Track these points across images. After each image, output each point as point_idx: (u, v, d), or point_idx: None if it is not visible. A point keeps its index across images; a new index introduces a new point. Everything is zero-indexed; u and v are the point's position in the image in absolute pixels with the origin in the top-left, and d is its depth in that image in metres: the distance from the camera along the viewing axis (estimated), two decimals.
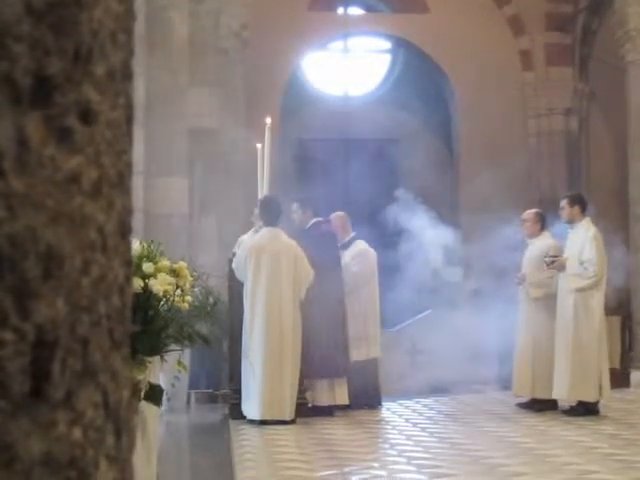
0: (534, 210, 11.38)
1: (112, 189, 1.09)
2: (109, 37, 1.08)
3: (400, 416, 10.41)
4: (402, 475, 6.96)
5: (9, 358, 0.96)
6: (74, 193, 1.03)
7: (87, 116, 1.05)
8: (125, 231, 1.13)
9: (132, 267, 1.19)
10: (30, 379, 0.98)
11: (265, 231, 9.95)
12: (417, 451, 7.98)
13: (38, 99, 1.00)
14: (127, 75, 1.16)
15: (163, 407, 5.72)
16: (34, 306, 0.98)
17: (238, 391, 9.84)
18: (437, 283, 13.31)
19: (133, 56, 1.18)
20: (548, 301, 10.50)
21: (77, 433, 1.01)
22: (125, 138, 1.13)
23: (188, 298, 5.43)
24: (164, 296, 5.15)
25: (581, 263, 10.19)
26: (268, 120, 10.18)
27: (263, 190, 10.32)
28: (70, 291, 1.01)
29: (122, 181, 1.12)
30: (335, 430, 9.27)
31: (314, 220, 10.69)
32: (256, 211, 10.35)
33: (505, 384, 11.87)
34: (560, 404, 10.51)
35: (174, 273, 5.32)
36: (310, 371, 10.00)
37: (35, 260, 0.99)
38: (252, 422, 9.57)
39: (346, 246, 11.05)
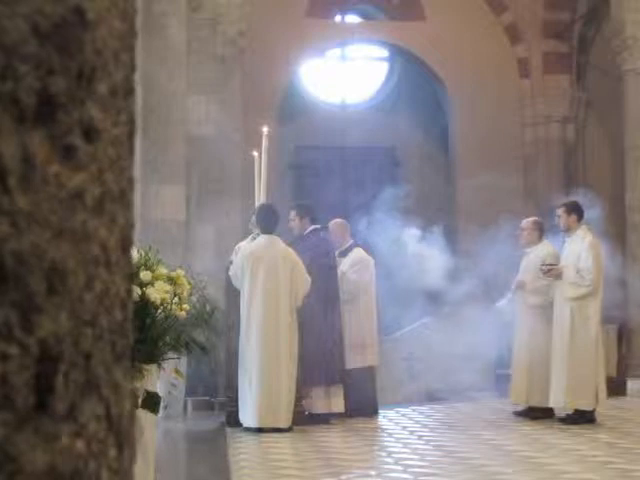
0: (532, 218, 11.39)
1: (114, 205, 1.10)
2: (112, 56, 1.10)
3: (397, 424, 10.41)
4: None
5: (14, 372, 0.98)
6: (78, 209, 1.04)
7: (90, 134, 1.06)
8: (127, 245, 1.15)
9: (133, 280, 1.21)
10: (34, 392, 0.99)
11: (262, 238, 9.95)
12: (413, 459, 7.99)
13: (42, 117, 1.02)
14: (129, 91, 1.17)
15: (160, 414, 5.72)
16: (38, 321, 1.00)
17: (235, 398, 9.84)
18: (433, 291, 13.30)
19: (135, 72, 1.20)
20: (545, 309, 10.50)
21: (80, 445, 1.03)
22: (127, 154, 1.14)
23: (185, 306, 5.44)
24: (161, 304, 5.16)
25: (578, 271, 10.19)
26: (265, 129, 10.20)
27: (260, 197, 10.33)
28: (74, 306, 1.03)
29: (124, 197, 1.13)
30: (332, 438, 9.28)
31: (311, 227, 10.69)
32: (253, 218, 10.36)
33: (501, 392, 11.87)
34: (556, 412, 10.50)
35: (171, 281, 5.33)
36: (306, 378, 10.01)
37: (40, 276, 1.00)
38: (249, 430, 9.57)
39: (344, 253, 11.04)
